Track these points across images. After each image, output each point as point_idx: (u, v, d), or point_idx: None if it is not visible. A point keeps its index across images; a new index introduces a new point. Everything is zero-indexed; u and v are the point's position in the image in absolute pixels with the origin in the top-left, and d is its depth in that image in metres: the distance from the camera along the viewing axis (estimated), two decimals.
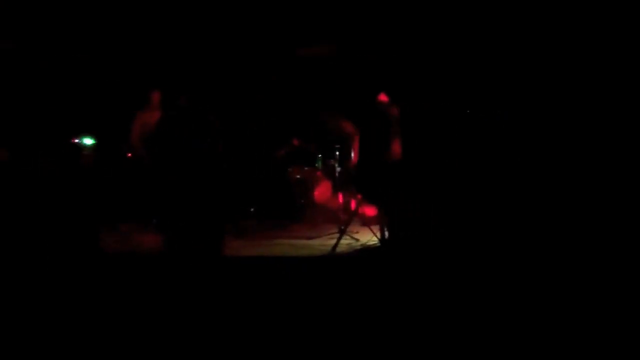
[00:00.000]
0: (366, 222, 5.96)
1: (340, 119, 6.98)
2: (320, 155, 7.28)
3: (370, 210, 6.40)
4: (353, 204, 6.59)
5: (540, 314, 3.41)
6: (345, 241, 5.64)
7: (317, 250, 5.48)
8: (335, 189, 6.71)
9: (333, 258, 5.23)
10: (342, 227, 5.77)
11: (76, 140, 7.03)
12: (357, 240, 5.80)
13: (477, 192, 5.03)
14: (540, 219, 4.74)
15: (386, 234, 5.35)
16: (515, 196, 5.00)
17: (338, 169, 6.63)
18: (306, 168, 7.20)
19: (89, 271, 4.63)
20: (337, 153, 6.73)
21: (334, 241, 5.52)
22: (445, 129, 5.60)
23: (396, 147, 5.61)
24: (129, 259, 5.29)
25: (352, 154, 6.87)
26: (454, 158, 5.42)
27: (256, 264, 5.12)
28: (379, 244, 5.42)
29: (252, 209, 7.01)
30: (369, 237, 5.73)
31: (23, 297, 3.86)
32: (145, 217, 6.46)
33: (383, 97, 5.78)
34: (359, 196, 6.52)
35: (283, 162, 7.34)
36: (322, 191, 7.00)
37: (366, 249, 5.50)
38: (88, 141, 7.09)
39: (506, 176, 5.12)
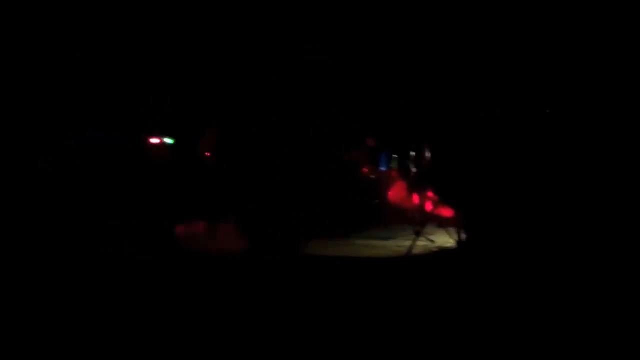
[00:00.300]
0: (442, 224, 5.92)
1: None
2: (395, 156, 7.29)
3: (446, 212, 6.35)
4: (429, 205, 6.56)
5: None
6: (421, 242, 5.63)
7: (393, 252, 5.51)
8: (411, 189, 6.70)
9: (409, 259, 5.25)
10: (418, 229, 5.76)
11: (158, 140, 7.34)
12: (433, 241, 5.77)
13: (561, 193, 4.90)
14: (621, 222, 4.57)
15: (463, 236, 5.30)
16: (599, 198, 4.84)
17: (414, 170, 6.62)
18: (381, 168, 7.24)
19: (167, 269, 4.83)
20: (413, 153, 6.72)
21: (409, 242, 5.53)
22: (526, 128, 5.49)
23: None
24: (208, 257, 5.50)
25: (427, 153, 6.85)
26: (534, 158, 5.31)
27: (332, 264, 5.22)
28: (455, 246, 5.38)
29: (328, 209, 7.11)
30: (445, 239, 5.69)
31: (101, 293, 4.02)
32: (222, 214, 6.67)
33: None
34: (435, 197, 6.49)
35: (357, 162, 7.40)
36: (396, 191, 7.02)
37: (442, 251, 5.46)
38: (168, 140, 7.40)
39: (587, 177, 4.96)
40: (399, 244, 5.78)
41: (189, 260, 5.20)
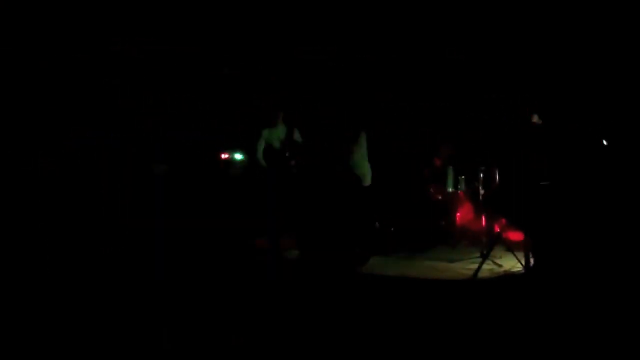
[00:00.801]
0: (510, 248, 5.77)
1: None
2: (463, 177, 7.19)
3: (515, 235, 6.19)
4: (497, 228, 6.42)
5: None
6: (488, 266, 5.51)
7: (458, 274, 5.43)
8: (479, 211, 6.58)
9: (474, 283, 5.15)
10: (485, 252, 5.65)
11: (226, 156, 7.52)
12: (500, 265, 5.64)
13: (633, 221, 4.68)
14: None
15: (531, 261, 5.15)
16: None
17: (482, 191, 6.49)
18: (449, 189, 7.16)
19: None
20: (481, 175, 6.60)
21: (475, 265, 5.43)
22: (598, 148, 5.30)
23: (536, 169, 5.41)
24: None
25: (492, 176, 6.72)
26: (608, 181, 5.10)
27: (396, 283, 5.21)
28: (523, 271, 5.24)
29: (392, 228, 7.09)
30: (512, 264, 5.54)
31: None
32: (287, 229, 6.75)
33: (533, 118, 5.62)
34: (503, 220, 6.34)
35: (426, 181, 7.35)
36: (464, 213, 6.91)
37: (509, 276, 5.32)
38: (238, 156, 7.60)
39: None
40: (465, 266, 5.69)
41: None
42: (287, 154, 6.86)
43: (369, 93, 6.43)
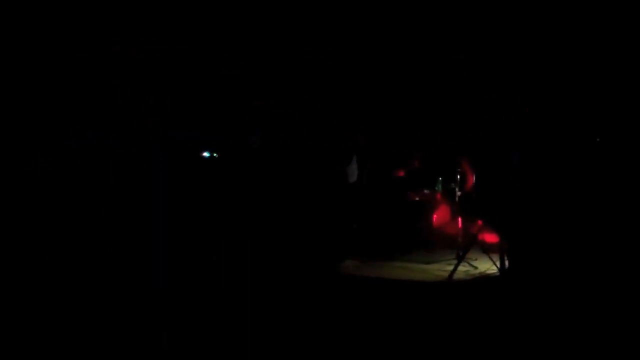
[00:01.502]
0: (486, 250, 5.78)
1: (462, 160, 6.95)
2: (440, 178, 7.19)
3: (491, 237, 6.20)
4: (473, 230, 6.44)
5: None
6: (463, 268, 5.52)
7: (434, 276, 5.43)
8: (455, 213, 6.59)
9: (450, 285, 5.15)
10: (461, 254, 5.66)
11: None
12: (476, 267, 5.65)
13: (609, 222, 4.71)
14: None
15: (506, 263, 5.16)
16: None
17: (458, 193, 6.51)
18: (426, 191, 7.15)
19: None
20: (458, 176, 6.60)
21: (451, 267, 5.43)
22: (573, 151, 5.34)
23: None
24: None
25: (467, 178, 6.75)
26: (583, 183, 5.14)
27: (372, 285, 5.18)
28: (498, 273, 5.25)
29: (369, 229, 7.04)
30: (488, 266, 5.56)
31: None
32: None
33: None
34: (480, 222, 6.36)
35: (403, 183, 7.34)
36: (441, 215, 6.91)
37: (484, 278, 5.34)
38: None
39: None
40: (441, 268, 5.69)
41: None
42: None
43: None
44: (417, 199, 7.09)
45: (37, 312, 3.70)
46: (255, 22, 6.91)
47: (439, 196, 7.08)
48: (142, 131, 6.90)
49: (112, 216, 6.14)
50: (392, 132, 7.68)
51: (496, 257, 5.37)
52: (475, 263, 5.74)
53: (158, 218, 5.89)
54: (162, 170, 6.54)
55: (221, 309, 3.99)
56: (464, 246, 5.82)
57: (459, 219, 6.42)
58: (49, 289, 4.13)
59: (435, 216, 6.90)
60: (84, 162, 6.51)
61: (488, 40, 6.57)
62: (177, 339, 3.31)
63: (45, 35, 6.25)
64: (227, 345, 3.31)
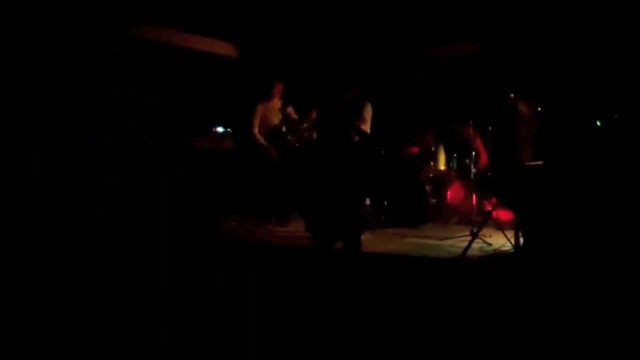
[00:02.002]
0: (500, 227, 5.77)
1: (458, 124, 6.87)
2: (455, 155, 7.16)
3: (505, 214, 6.19)
4: (487, 206, 6.42)
5: None
6: (477, 245, 5.51)
7: (448, 252, 5.43)
8: (470, 190, 6.57)
9: (464, 261, 5.16)
10: (475, 230, 5.65)
11: (218, 129, 7.46)
12: (490, 244, 5.64)
13: (624, 203, 4.67)
14: None
15: (521, 240, 5.15)
16: None
17: (473, 170, 6.48)
18: (441, 167, 7.13)
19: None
20: (474, 153, 6.57)
21: (465, 244, 5.43)
22: (589, 129, 5.28)
23: (526, 149, 5.38)
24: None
25: (480, 156, 6.71)
26: (599, 163, 5.09)
27: (385, 261, 5.20)
28: (512, 250, 5.24)
29: (385, 202, 7.04)
30: (502, 242, 5.55)
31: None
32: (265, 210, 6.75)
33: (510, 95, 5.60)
34: (494, 199, 6.34)
35: (417, 160, 7.31)
36: (455, 192, 6.90)
37: (499, 254, 5.33)
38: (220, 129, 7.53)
39: None
40: (455, 244, 5.70)
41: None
42: (284, 130, 6.78)
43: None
44: (431, 175, 7.06)
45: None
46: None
47: (453, 173, 7.05)
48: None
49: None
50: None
51: (510, 234, 5.36)
52: (489, 240, 5.73)
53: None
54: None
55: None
56: (479, 223, 5.80)
57: (474, 196, 6.41)
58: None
59: (449, 193, 6.88)
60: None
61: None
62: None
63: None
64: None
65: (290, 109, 6.85)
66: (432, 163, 7.18)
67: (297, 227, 6.52)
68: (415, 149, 7.34)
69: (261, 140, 6.81)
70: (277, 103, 6.83)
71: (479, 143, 6.71)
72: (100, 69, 6.74)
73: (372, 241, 5.87)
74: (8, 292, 4.01)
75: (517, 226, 5.22)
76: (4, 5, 5.94)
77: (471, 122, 6.38)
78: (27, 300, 3.88)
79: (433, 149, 7.23)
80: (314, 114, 6.59)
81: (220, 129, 7.48)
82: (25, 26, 6.13)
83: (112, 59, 6.75)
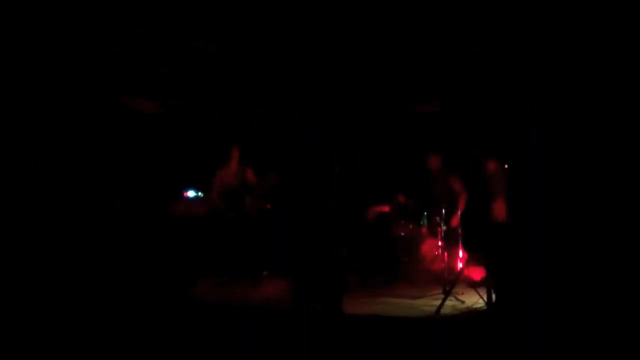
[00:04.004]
0: (472, 284, 5.79)
1: (449, 175, 6.94)
2: (425, 213, 7.22)
3: (476, 272, 6.22)
4: (459, 264, 6.45)
5: None
6: (450, 302, 5.51)
7: (421, 311, 5.41)
8: (441, 247, 6.60)
9: (437, 320, 5.13)
10: (447, 288, 5.65)
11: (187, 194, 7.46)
12: (463, 302, 5.64)
13: (593, 257, 4.76)
14: None
15: (493, 297, 5.16)
16: None
17: (444, 228, 6.54)
18: (411, 225, 7.18)
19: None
20: (444, 211, 6.65)
21: (438, 302, 5.42)
22: (555, 187, 5.41)
23: (498, 207, 5.48)
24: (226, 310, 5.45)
25: (458, 212, 6.79)
26: (565, 220, 5.21)
27: (358, 321, 5.14)
28: (485, 307, 5.24)
29: (356, 265, 7.04)
30: (475, 300, 5.56)
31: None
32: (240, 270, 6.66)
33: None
34: (466, 256, 6.38)
35: (388, 218, 7.35)
36: (427, 250, 6.92)
37: (472, 312, 5.33)
38: (192, 194, 7.54)
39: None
40: (428, 303, 5.67)
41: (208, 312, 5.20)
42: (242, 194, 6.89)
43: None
44: (402, 233, 7.09)
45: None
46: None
47: (424, 230, 7.09)
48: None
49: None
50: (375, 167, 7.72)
51: (483, 292, 5.37)
52: (462, 297, 5.73)
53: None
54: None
55: None
56: (451, 280, 5.81)
57: (445, 254, 6.44)
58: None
59: (421, 251, 6.90)
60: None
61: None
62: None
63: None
64: None
65: (249, 172, 6.96)
66: (402, 221, 7.22)
67: (273, 288, 6.44)
68: (386, 208, 7.39)
69: (218, 202, 6.90)
70: (235, 166, 6.95)
71: (462, 199, 6.77)
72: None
73: (345, 302, 5.80)
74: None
75: (489, 283, 5.25)
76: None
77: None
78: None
79: (406, 206, 7.29)
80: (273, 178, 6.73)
81: (191, 194, 7.50)
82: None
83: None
